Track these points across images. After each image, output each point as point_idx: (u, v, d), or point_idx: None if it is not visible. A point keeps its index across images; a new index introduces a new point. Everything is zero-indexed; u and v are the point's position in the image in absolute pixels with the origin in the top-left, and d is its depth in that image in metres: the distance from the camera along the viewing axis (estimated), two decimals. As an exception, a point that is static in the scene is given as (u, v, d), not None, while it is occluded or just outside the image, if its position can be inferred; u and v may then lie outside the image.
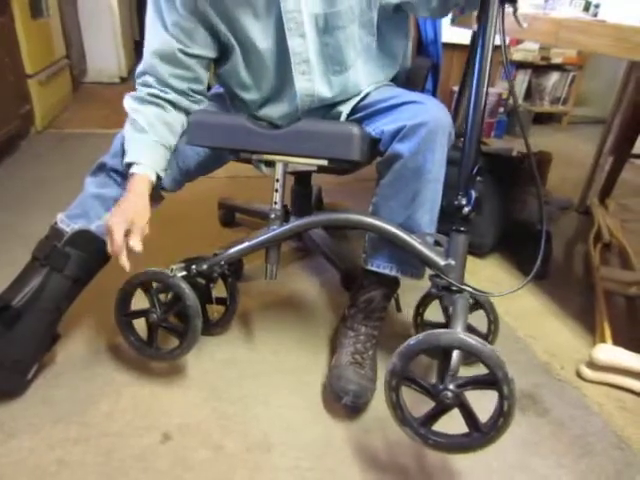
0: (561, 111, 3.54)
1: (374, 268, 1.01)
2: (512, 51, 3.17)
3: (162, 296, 1.01)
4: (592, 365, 1.09)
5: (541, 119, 3.50)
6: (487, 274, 1.52)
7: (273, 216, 0.99)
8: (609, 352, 1.08)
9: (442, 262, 0.88)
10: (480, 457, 0.82)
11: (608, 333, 1.15)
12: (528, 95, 3.47)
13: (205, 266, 1.01)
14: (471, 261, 1.56)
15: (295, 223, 0.98)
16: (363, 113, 1.01)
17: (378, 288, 1.03)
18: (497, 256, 1.62)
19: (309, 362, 1.11)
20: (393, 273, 1.00)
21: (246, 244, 1.00)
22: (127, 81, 3.77)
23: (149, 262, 0.99)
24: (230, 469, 0.85)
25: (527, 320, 1.30)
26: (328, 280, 1.42)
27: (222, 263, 1.02)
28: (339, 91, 1.03)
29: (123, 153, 0.98)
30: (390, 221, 0.93)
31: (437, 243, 0.92)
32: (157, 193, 1.05)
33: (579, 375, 1.11)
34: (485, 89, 0.82)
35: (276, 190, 0.99)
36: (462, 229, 0.87)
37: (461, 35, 1.58)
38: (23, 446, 0.86)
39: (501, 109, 3.07)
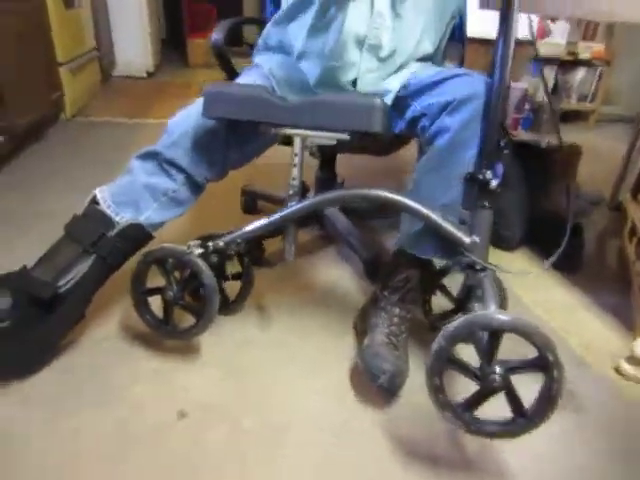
0: (588, 109, 3.46)
1: (418, 254, 0.99)
2: (538, 45, 3.09)
3: (178, 274, 1.00)
4: (632, 360, 1.05)
5: (568, 117, 3.42)
6: (516, 268, 1.47)
7: (291, 192, 0.96)
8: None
9: (467, 239, 0.85)
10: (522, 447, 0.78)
11: (647, 327, 1.11)
12: (554, 92, 3.40)
13: (222, 243, 0.98)
14: (499, 255, 1.53)
15: (314, 199, 0.96)
16: (410, 90, 1.01)
17: (414, 268, 1.02)
18: (526, 250, 1.58)
19: (332, 346, 1.09)
20: (438, 258, 0.98)
21: (263, 221, 0.98)
22: (154, 75, 3.83)
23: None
24: (248, 446, 0.83)
25: (560, 313, 1.26)
26: (351, 269, 1.40)
27: (239, 241, 0.99)
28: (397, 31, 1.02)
29: (182, 145, 0.97)
30: (418, 196, 0.91)
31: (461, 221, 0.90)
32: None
33: (618, 371, 1.07)
34: (509, 61, 0.79)
35: (294, 165, 0.96)
36: (487, 205, 0.83)
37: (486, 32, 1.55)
38: (40, 414, 0.86)
39: (527, 105, 3.00)
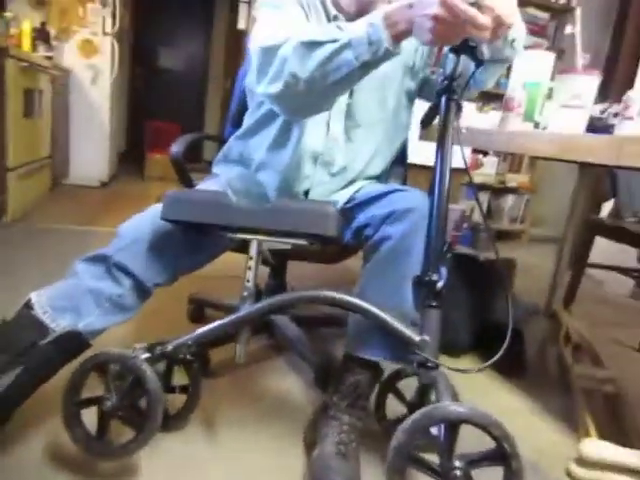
0: (519, 229, 3.80)
1: (365, 356, 0.99)
2: (472, 174, 3.47)
3: (118, 382, 0.91)
4: (582, 462, 1.04)
5: (502, 236, 3.72)
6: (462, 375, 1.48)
7: (245, 294, 0.96)
8: (597, 447, 1.04)
9: (417, 338, 0.87)
10: None
11: (592, 428, 1.13)
12: (489, 214, 3.73)
13: (171, 347, 0.93)
14: (446, 360, 1.53)
15: (267, 301, 0.96)
16: (355, 202, 1.10)
17: (363, 372, 1.01)
18: (472, 356, 1.61)
19: (280, 461, 1.02)
20: (387, 361, 0.98)
21: (216, 323, 0.95)
22: (107, 186, 3.88)
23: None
24: None
25: (510, 419, 1.23)
26: (300, 377, 1.36)
27: (190, 344, 0.94)
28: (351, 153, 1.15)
29: (134, 249, 0.95)
30: (365, 300, 0.93)
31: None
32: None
33: (569, 474, 1.05)
34: (448, 178, 0.87)
35: (249, 268, 0.97)
36: (435, 304, 0.87)
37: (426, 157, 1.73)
38: None
39: (465, 224, 3.25)
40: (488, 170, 3.56)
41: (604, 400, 1.38)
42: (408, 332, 0.88)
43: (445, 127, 0.89)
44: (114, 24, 3.57)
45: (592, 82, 1.22)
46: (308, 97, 0.90)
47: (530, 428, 1.24)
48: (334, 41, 0.83)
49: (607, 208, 2.41)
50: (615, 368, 1.48)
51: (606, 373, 1.42)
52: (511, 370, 1.46)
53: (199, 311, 1.65)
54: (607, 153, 0.97)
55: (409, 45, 1.06)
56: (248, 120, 1.25)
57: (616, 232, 1.97)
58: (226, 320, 0.95)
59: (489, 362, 0.88)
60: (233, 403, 1.21)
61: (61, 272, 1.00)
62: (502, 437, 0.68)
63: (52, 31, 3.31)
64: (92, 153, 3.72)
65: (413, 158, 1.63)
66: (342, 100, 1.12)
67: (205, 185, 1.20)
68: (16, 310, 0.94)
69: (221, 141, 1.53)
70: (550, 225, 3.74)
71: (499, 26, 0.80)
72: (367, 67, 0.84)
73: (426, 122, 0.98)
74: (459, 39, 0.81)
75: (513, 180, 3.64)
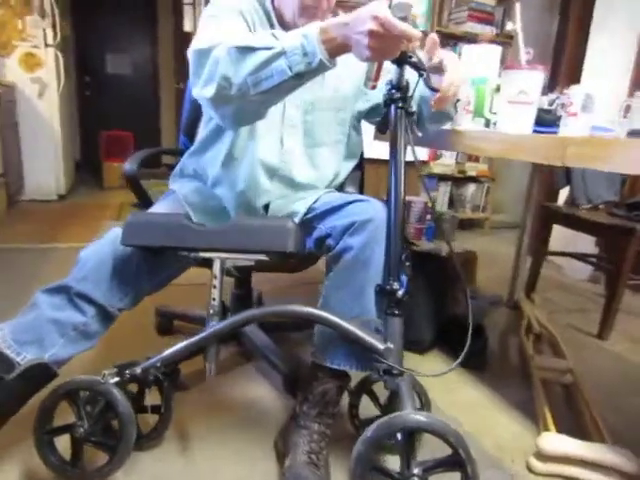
0: (482, 217, 3.88)
1: (332, 365, 1.00)
2: (432, 165, 3.53)
3: (89, 408, 0.92)
4: (540, 456, 1.08)
5: (465, 225, 3.80)
6: (427, 369, 1.51)
7: (211, 312, 0.97)
8: (555, 441, 1.08)
9: (381, 346, 0.89)
10: None
11: (551, 421, 1.16)
12: (451, 204, 3.80)
13: (139, 370, 0.94)
14: (412, 357, 1.57)
15: (233, 318, 0.97)
16: (316, 213, 1.10)
17: (331, 381, 1.02)
18: (437, 352, 1.64)
19: (253, 471, 1.03)
20: (354, 370, 1.00)
21: (184, 343, 0.96)
22: (65, 198, 3.77)
23: (78, 373, 0.92)
24: None
25: (472, 414, 1.29)
26: (270, 384, 1.36)
27: (158, 365, 0.96)
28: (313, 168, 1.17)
29: (96, 276, 0.95)
30: (329, 310, 0.95)
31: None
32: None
33: (529, 468, 1.09)
34: (402, 187, 0.90)
35: (214, 286, 0.98)
36: (397, 312, 0.89)
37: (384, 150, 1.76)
38: None
39: (428, 216, 3.31)
40: (447, 160, 3.61)
41: (563, 391, 1.43)
42: (372, 340, 0.90)
43: (396, 136, 0.91)
44: (55, 35, 3.47)
45: (537, 77, 1.24)
46: (241, 102, 0.89)
47: (492, 423, 1.27)
48: (268, 48, 0.82)
49: (563, 196, 2.49)
50: (575, 357, 1.54)
51: (565, 363, 1.47)
52: (474, 364, 1.50)
53: (167, 323, 1.64)
54: (552, 154, 1.00)
55: (361, 68, 1.07)
56: (202, 132, 1.23)
57: (571, 220, 2.03)
58: (193, 339, 0.96)
59: (449, 368, 0.92)
60: (205, 414, 1.21)
61: (23, 293, 0.99)
62: (458, 445, 0.71)
63: (-9, 46, 3.19)
64: (46, 167, 3.61)
65: (373, 153, 1.66)
66: (295, 116, 1.13)
67: (162, 203, 1.18)
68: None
69: (177, 153, 1.51)
70: (511, 211, 3.83)
71: (452, 95, 0.92)
72: (300, 78, 0.84)
73: (382, 129, 1.00)
74: (396, 52, 0.83)
75: (473, 169, 3.71)
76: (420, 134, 1.00)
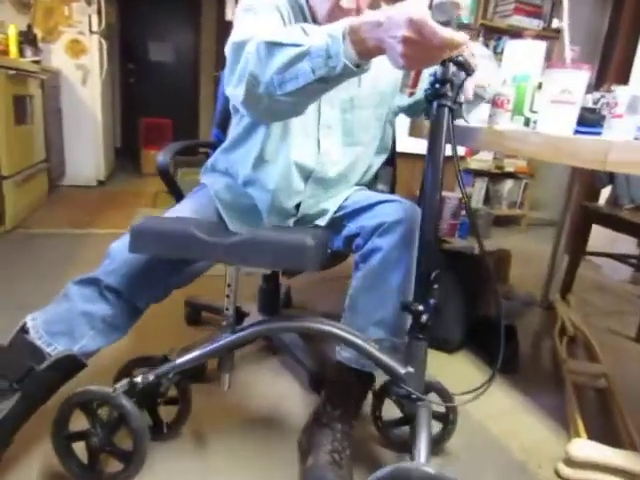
0: (518, 214, 3.78)
1: (357, 366, 1.00)
2: (468, 161, 3.44)
3: (105, 414, 0.92)
4: (570, 462, 1.06)
5: (501, 221, 3.70)
6: (456, 370, 1.50)
7: (225, 323, 0.95)
8: (585, 447, 1.06)
9: (402, 370, 0.87)
10: None
11: (582, 427, 1.14)
12: (487, 200, 3.71)
13: (152, 377, 0.93)
14: (440, 357, 1.56)
15: (247, 331, 0.95)
16: (346, 211, 1.09)
17: (356, 381, 1.02)
18: (466, 352, 1.62)
19: (274, 471, 1.03)
20: (377, 370, 0.98)
21: (197, 353, 0.95)
22: (105, 184, 3.89)
23: (108, 362, 0.94)
24: None
25: (500, 417, 1.27)
26: (295, 381, 1.37)
27: (170, 376, 0.95)
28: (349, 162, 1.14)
29: (124, 270, 0.95)
30: (350, 326, 0.95)
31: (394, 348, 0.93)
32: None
33: (558, 474, 1.07)
34: (438, 195, 0.84)
35: (227, 296, 0.95)
36: (421, 336, 0.85)
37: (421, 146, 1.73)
38: None
39: (463, 212, 3.24)
40: (485, 156, 3.52)
41: (596, 396, 1.39)
42: (393, 364, 0.88)
43: (436, 135, 0.83)
44: (100, 22, 3.53)
45: (581, 77, 1.19)
46: (270, 102, 0.84)
47: (521, 427, 1.25)
48: (296, 45, 0.77)
49: (605, 195, 2.39)
50: (610, 360, 1.49)
51: (598, 368, 1.43)
52: (504, 368, 1.47)
53: (195, 314, 1.67)
54: (593, 158, 0.96)
55: None
56: (233, 130, 1.22)
57: (613, 221, 1.96)
58: (205, 350, 0.95)
59: (477, 394, 0.84)
60: (228, 409, 1.22)
61: (59, 278, 1.01)
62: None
63: (38, 33, 3.28)
64: (87, 153, 3.71)
65: (405, 147, 1.62)
66: (331, 115, 1.10)
67: (193, 198, 1.19)
68: (13, 331, 0.95)
69: (211, 145, 1.52)
70: (549, 209, 3.71)
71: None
72: (326, 82, 0.77)
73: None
74: (436, 62, 0.74)
75: (511, 165, 3.61)
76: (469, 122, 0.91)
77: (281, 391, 1.32)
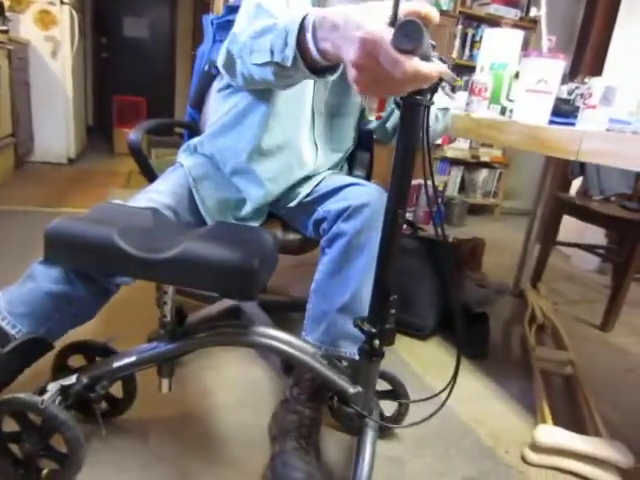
0: (492, 203, 3.83)
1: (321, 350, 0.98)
2: (445, 149, 3.47)
3: (38, 420, 0.86)
4: (536, 448, 1.08)
5: (476, 210, 3.75)
6: (430, 355, 1.52)
7: (162, 332, 0.90)
8: (550, 433, 1.08)
9: (351, 389, 0.86)
10: None
11: (548, 414, 1.17)
12: (462, 188, 3.75)
13: (86, 379, 0.88)
14: (414, 343, 1.57)
15: (185, 342, 0.90)
16: (317, 195, 1.09)
17: None
18: (439, 338, 1.64)
19: (244, 456, 1.03)
20: (347, 354, 0.98)
21: (132, 359, 0.90)
22: (75, 162, 3.76)
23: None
24: None
25: (470, 403, 1.29)
26: (268, 365, 1.36)
27: (105, 383, 0.90)
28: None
29: None
30: (315, 311, 0.97)
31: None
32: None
33: (524, 459, 1.10)
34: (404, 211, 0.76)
35: (165, 303, 0.87)
36: (373, 359, 0.83)
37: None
38: None
39: (439, 200, 3.27)
40: (461, 145, 3.55)
41: (563, 383, 1.43)
42: (342, 383, 0.87)
43: (409, 132, 0.69)
44: (71, -9, 3.38)
45: (558, 67, 1.20)
46: (242, 68, 0.81)
47: (490, 412, 1.27)
48: (271, 16, 0.74)
49: (576, 186, 2.44)
50: (577, 348, 1.53)
51: (565, 355, 1.46)
52: (475, 353, 1.50)
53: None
54: (567, 148, 0.97)
55: None
56: (223, 115, 1.13)
57: (582, 211, 2.00)
58: (141, 356, 0.91)
59: (422, 419, 0.85)
60: (202, 393, 1.21)
61: (25, 257, 0.96)
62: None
63: (6, 2, 3.11)
64: (57, 129, 3.57)
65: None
66: (321, 121, 1.10)
67: (167, 178, 1.13)
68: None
69: (187, 126, 1.48)
70: (523, 198, 3.77)
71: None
72: (282, 69, 0.69)
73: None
74: (398, 94, 0.62)
75: (486, 154, 3.65)
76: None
77: (255, 376, 1.32)
